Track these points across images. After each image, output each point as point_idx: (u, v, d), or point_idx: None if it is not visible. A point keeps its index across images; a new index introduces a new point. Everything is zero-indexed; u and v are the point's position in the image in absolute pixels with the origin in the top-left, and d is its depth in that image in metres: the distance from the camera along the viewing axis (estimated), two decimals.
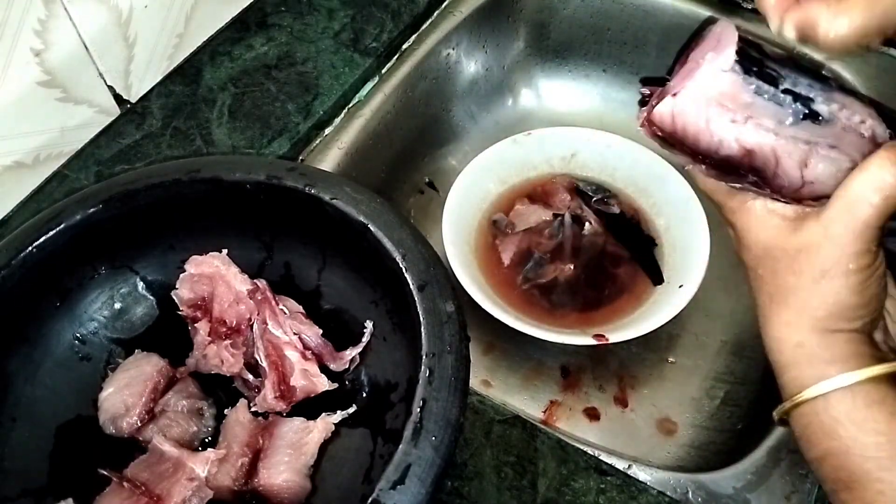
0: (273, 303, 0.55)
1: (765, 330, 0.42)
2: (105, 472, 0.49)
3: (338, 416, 0.52)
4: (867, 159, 0.37)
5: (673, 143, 0.40)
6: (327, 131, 0.77)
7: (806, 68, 0.38)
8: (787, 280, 0.40)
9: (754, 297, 0.43)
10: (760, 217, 0.41)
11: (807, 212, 0.39)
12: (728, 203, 0.42)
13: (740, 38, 0.37)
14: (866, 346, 0.39)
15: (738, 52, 0.36)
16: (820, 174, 0.38)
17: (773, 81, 0.37)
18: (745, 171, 0.39)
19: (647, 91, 0.42)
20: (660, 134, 0.40)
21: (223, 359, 0.54)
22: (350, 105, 0.78)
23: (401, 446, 0.40)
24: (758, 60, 0.37)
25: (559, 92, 0.97)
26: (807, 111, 0.37)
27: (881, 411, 0.37)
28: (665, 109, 0.38)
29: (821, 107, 0.37)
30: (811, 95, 0.37)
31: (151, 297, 0.58)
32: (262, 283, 0.55)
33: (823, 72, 0.40)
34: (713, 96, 0.37)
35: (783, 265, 0.40)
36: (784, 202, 0.40)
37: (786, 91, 0.37)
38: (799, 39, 0.38)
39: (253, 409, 0.53)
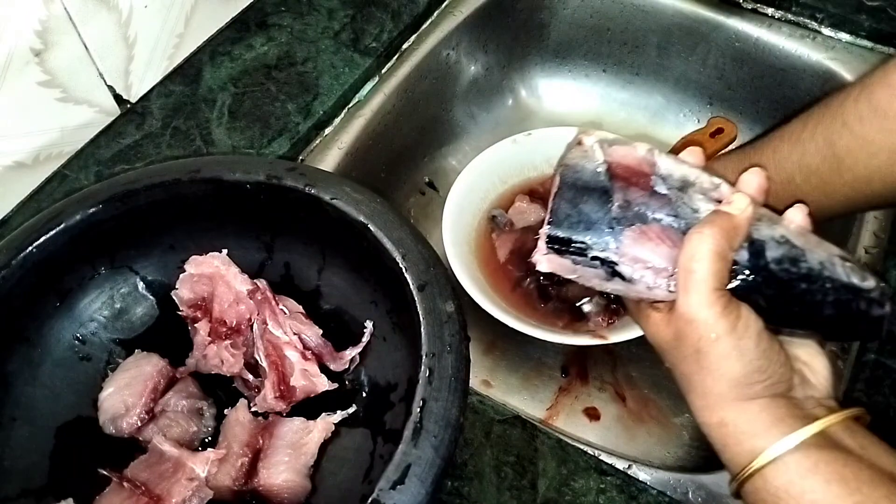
0: (273, 303, 0.55)
1: (694, 417, 0.43)
2: (105, 472, 0.49)
3: (338, 416, 0.52)
4: (688, 235, 0.41)
5: None
6: (327, 131, 0.77)
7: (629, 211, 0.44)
8: (682, 369, 0.42)
9: None
10: (649, 318, 0.45)
11: (669, 304, 0.43)
12: (634, 312, 0.47)
13: (549, 222, 0.45)
14: (786, 409, 0.40)
15: (548, 240, 0.45)
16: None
17: (583, 252, 0.44)
18: None
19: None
20: None
21: (223, 359, 0.54)
22: (350, 105, 0.78)
23: (401, 446, 0.40)
24: (566, 240, 0.44)
25: (559, 92, 0.97)
26: (612, 272, 0.44)
27: (815, 480, 0.37)
28: (538, 269, 0.46)
29: (625, 269, 0.44)
30: (615, 260, 0.44)
31: (151, 297, 0.58)
32: (262, 283, 0.55)
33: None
34: (549, 268, 0.46)
35: (675, 357, 0.43)
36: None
37: (594, 258, 0.44)
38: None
39: (253, 409, 0.53)
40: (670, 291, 0.42)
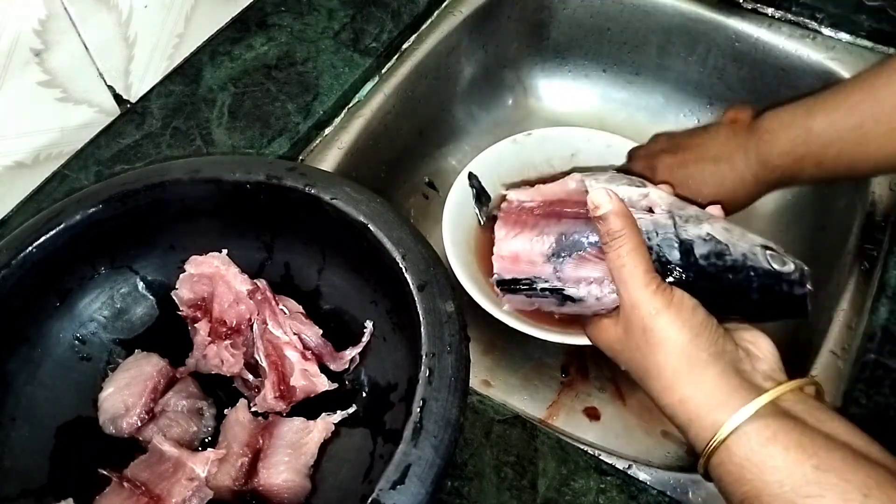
0: (273, 303, 0.55)
1: (658, 405, 0.45)
2: (105, 472, 0.49)
3: (338, 416, 0.52)
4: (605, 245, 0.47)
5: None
6: (327, 131, 0.77)
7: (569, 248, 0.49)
8: (636, 357, 0.46)
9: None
10: (601, 325, 0.49)
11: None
12: (589, 328, 0.51)
13: (495, 270, 0.51)
14: (739, 381, 0.42)
15: (497, 285, 0.51)
16: None
17: (532, 286, 0.50)
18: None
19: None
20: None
21: (223, 359, 0.54)
22: (350, 105, 0.78)
23: (401, 446, 0.40)
24: (510, 281, 0.51)
25: (559, 92, 0.97)
26: (563, 297, 0.49)
27: (775, 448, 0.39)
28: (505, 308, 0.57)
29: (572, 291, 0.49)
30: (561, 287, 0.49)
31: (151, 297, 0.58)
32: (262, 283, 0.55)
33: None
34: (512, 307, 0.54)
35: (628, 348, 0.46)
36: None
37: (543, 290, 0.50)
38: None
39: (253, 409, 0.53)
40: (616, 296, 0.46)
